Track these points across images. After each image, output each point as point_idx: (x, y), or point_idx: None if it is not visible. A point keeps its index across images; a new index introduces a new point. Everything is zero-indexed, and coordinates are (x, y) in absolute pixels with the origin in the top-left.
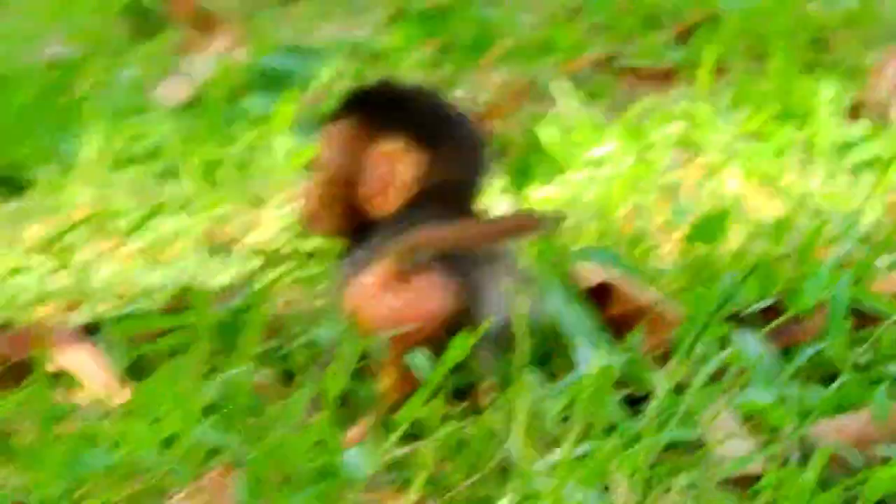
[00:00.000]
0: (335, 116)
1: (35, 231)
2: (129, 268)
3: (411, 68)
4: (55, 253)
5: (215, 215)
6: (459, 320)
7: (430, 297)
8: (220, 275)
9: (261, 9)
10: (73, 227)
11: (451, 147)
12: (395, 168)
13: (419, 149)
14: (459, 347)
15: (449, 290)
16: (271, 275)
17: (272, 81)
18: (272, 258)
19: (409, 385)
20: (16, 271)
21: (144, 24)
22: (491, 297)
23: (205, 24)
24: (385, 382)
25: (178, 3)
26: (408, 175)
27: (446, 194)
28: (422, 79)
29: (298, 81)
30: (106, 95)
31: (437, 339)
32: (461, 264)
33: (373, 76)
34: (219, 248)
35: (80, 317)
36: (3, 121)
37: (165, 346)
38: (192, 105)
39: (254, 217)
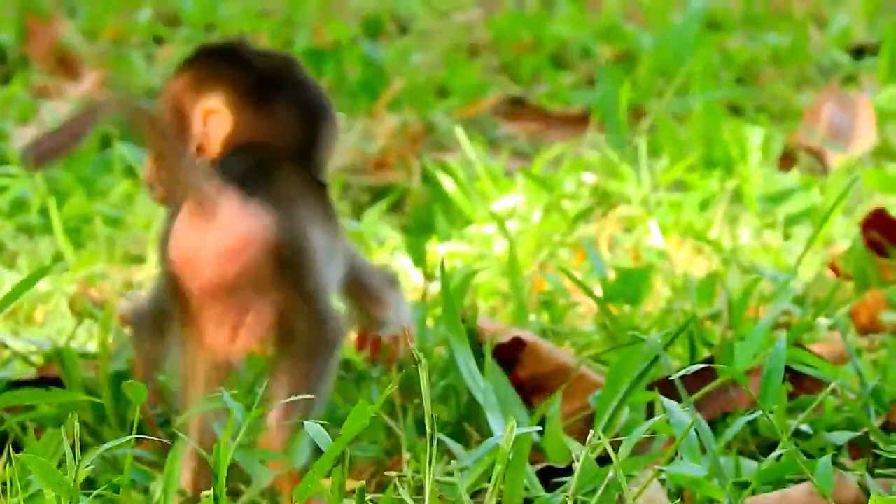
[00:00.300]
0: (174, 73)
1: None
2: None
3: None
4: None
5: (87, 275)
6: (284, 252)
7: (238, 221)
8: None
9: (127, 50)
10: None
11: (278, 109)
12: (214, 125)
13: (241, 108)
14: (359, 417)
15: (261, 217)
16: None
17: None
18: None
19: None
20: None
21: (0, 67)
22: (321, 241)
23: (67, 66)
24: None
25: (38, 43)
26: (225, 133)
27: (277, 156)
28: None
29: None
30: None
31: (263, 273)
32: (281, 204)
33: None
34: (91, 310)
35: None
36: None
37: (39, 417)
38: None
39: (129, 276)
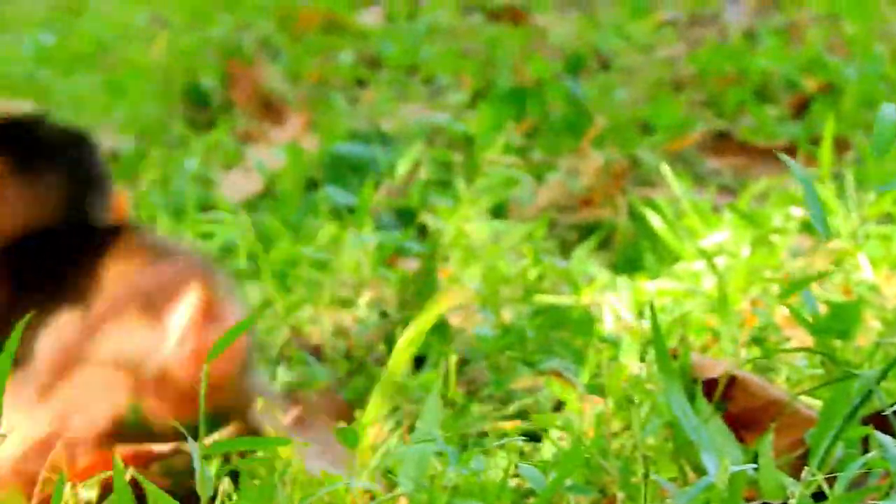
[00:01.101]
0: None
1: None
2: None
3: (499, 153)
4: None
5: (296, 319)
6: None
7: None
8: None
9: (330, 92)
10: None
11: (48, 181)
12: None
13: (12, 180)
14: (573, 458)
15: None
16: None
17: (348, 170)
18: (360, 364)
19: None
20: None
21: (204, 112)
22: None
23: (270, 110)
24: None
25: (241, 88)
26: None
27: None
28: (509, 162)
29: (376, 170)
30: (168, 190)
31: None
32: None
33: (458, 162)
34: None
35: None
36: None
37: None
38: (263, 198)
39: (338, 319)
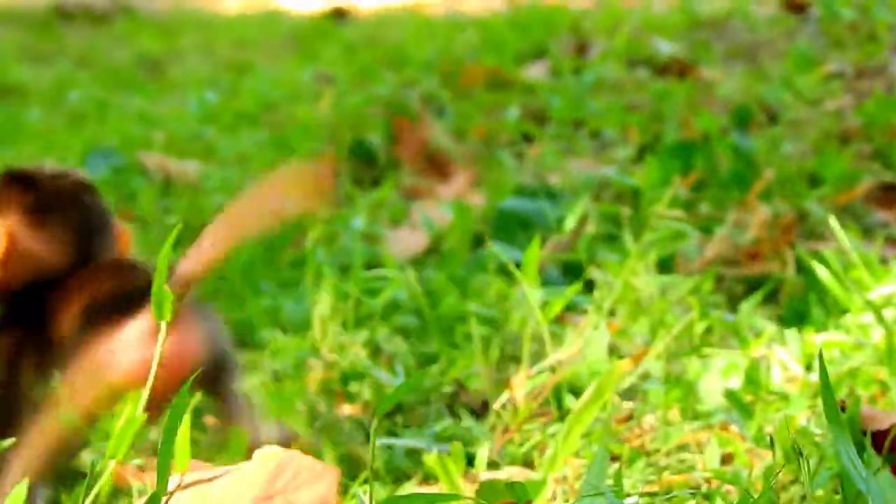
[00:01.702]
0: None
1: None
2: None
3: (666, 207)
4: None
5: (464, 375)
6: (215, 361)
7: (190, 341)
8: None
9: (495, 149)
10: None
11: (55, 229)
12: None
13: (21, 230)
14: None
15: (203, 334)
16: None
17: (515, 226)
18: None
19: None
20: None
21: (370, 169)
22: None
23: (436, 166)
24: None
25: (406, 144)
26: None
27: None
28: (675, 215)
29: (543, 225)
30: (335, 248)
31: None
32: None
33: (625, 216)
34: (469, 409)
35: None
36: (226, 279)
37: None
38: (430, 255)
39: (505, 375)
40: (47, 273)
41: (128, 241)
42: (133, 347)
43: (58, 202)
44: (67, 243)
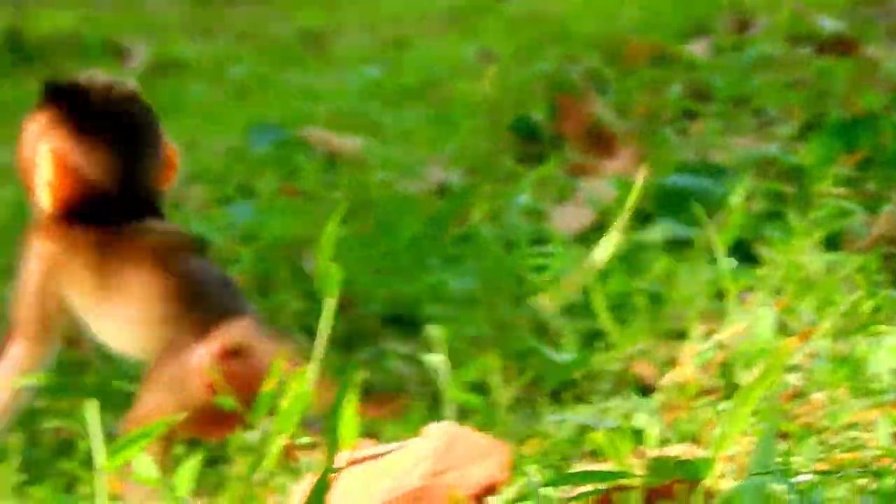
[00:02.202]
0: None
1: None
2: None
3: (830, 184)
4: None
5: (630, 352)
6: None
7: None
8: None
9: (658, 125)
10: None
11: (97, 141)
12: (49, 167)
13: (73, 152)
14: None
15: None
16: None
17: (678, 203)
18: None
19: None
20: None
21: (534, 145)
22: None
23: (600, 143)
24: None
25: (570, 121)
26: (60, 175)
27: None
28: (840, 193)
29: (707, 202)
30: (500, 224)
31: None
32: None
33: (789, 193)
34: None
35: None
36: (392, 255)
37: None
38: (594, 231)
39: (672, 352)
40: (96, 194)
41: (176, 162)
42: (202, 372)
43: (105, 119)
44: (115, 164)
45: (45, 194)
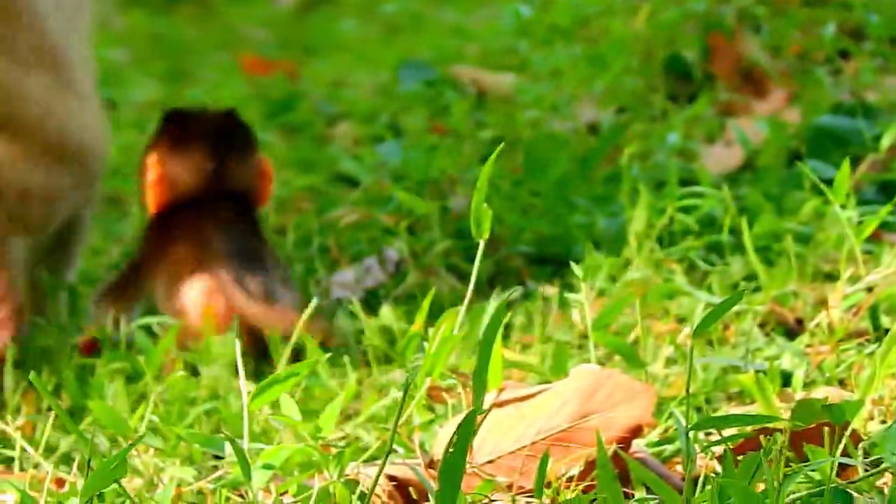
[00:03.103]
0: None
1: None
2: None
3: None
4: None
5: (779, 294)
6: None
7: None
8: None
9: (811, 65)
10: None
11: (192, 152)
12: (152, 173)
13: (167, 158)
14: None
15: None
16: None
17: (831, 144)
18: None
19: None
20: None
21: (685, 85)
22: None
23: (751, 83)
24: None
25: (722, 60)
26: (153, 181)
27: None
28: None
29: (860, 143)
30: (649, 163)
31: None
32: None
33: None
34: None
35: None
36: (540, 194)
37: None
38: (744, 172)
39: (821, 294)
40: (187, 195)
41: (270, 178)
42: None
43: (201, 136)
44: (205, 171)
45: (148, 196)
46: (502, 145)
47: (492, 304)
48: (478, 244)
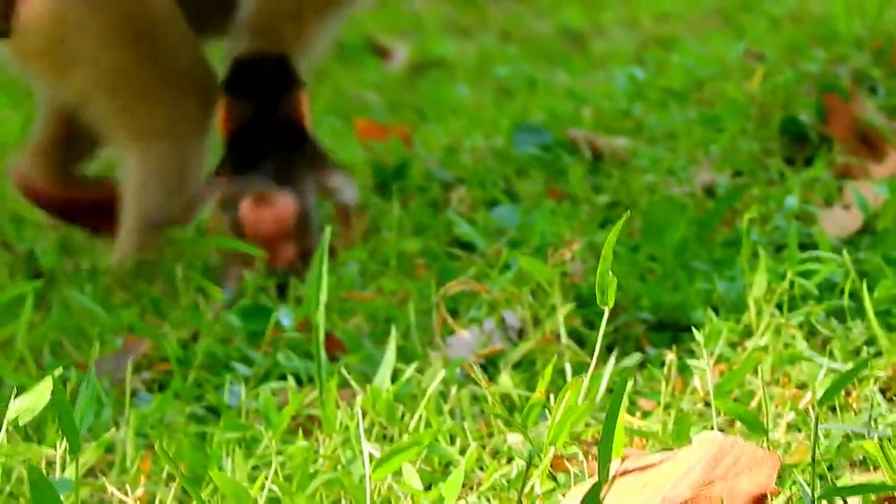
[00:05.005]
0: None
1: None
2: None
3: None
4: None
5: None
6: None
7: (286, 210)
8: None
9: None
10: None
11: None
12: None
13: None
14: None
15: (295, 205)
16: None
17: None
18: None
19: None
20: None
21: (801, 147)
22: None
23: (868, 145)
24: None
25: (838, 122)
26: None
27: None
28: None
29: None
30: (768, 227)
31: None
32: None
33: None
34: None
35: None
36: (658, 259)
37: None
38: (863, 235)
39: None
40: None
41: (306, 105)
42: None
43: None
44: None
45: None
46: (628, 213)
47: (613, 372)
48: (597, 310)
